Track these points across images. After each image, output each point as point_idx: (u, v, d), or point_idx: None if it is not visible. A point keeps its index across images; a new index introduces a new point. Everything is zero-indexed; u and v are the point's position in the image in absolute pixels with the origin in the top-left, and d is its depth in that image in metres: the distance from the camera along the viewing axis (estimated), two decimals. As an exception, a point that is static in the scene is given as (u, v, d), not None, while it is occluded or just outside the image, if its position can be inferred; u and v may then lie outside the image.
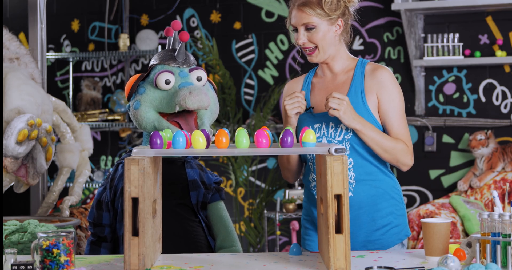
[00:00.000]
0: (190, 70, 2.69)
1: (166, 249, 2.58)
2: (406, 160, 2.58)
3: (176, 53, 2.68)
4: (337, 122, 2.60)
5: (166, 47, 2.76)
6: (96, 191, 3.15)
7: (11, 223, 3.03)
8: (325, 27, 2.60)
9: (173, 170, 2.75)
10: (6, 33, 4.09)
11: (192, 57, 2.73)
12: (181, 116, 2.67)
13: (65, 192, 5.29)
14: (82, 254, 3.72)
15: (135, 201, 2.11)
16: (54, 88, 6.12)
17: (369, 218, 2.60)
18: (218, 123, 5.44)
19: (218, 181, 2.82)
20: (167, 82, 2.62)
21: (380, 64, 3.46)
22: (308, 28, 2.60)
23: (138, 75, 2.71)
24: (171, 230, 2.67)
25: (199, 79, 2.68)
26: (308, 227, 2.70)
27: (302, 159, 2.72)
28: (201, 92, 2.58)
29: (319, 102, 2.68)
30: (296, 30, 2.63)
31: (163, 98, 2.64)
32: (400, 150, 2.56)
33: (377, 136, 2.53)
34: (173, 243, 2.66)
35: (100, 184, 5.68)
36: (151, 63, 2.73)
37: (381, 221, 2.61)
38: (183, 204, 2.72)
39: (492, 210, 4.62)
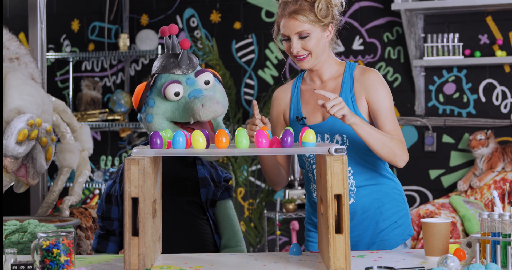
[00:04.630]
0: (196, 74, 2.65)
1: (172, 246, 2.58)
2: (403, 154, 2.52)
3: (179, 60, 2.64)
4: (331, 133, 2.59)
5: (165, 50, 2.71)
6: (101, 187, 3.13)
7: (11, 223, 3.03)
8: (318, 34, 2.56)
9: (184, 167, 2.73)
10: (6, 33, 4.09)
11: (195, 58, 2.68)
12: (195, 123, 2.64)
13: (65, 192, 5.28)
14: (82, 254, 3.72)
15: (135, 201, 2.12)
16: (54, 88, 6.12)
17: (373, 221, 2.62)
18: (218, 123, 5.44)
19: (228, 178, 2.81)
20: (177, 94, 2.59)
21: (376, 65, 3.44)
22: (302, 37, 2.55)
23: (143, 85, 2.65)
24: (179, 227, 2.66)
25: (206, 82, 2.65)
26: (310, 229, 2.72)
27: (301, 167, 2.72)
28: (213, 103, 2.55)
29: (311, 112, 2.65)
30: (287, 39, 2.58)
31: (174, 109, 2.61)
32: (397, 144, 2.51)
33: (372, 130, 2.47)
34: (180, 240, 2.65)
35: (105, 180, 5.68)
36: (154, 71, 2.68)
37: (384, 223, 2.62)
38: (193, 202, 2.71)
39: (492, 210, 4.62)
